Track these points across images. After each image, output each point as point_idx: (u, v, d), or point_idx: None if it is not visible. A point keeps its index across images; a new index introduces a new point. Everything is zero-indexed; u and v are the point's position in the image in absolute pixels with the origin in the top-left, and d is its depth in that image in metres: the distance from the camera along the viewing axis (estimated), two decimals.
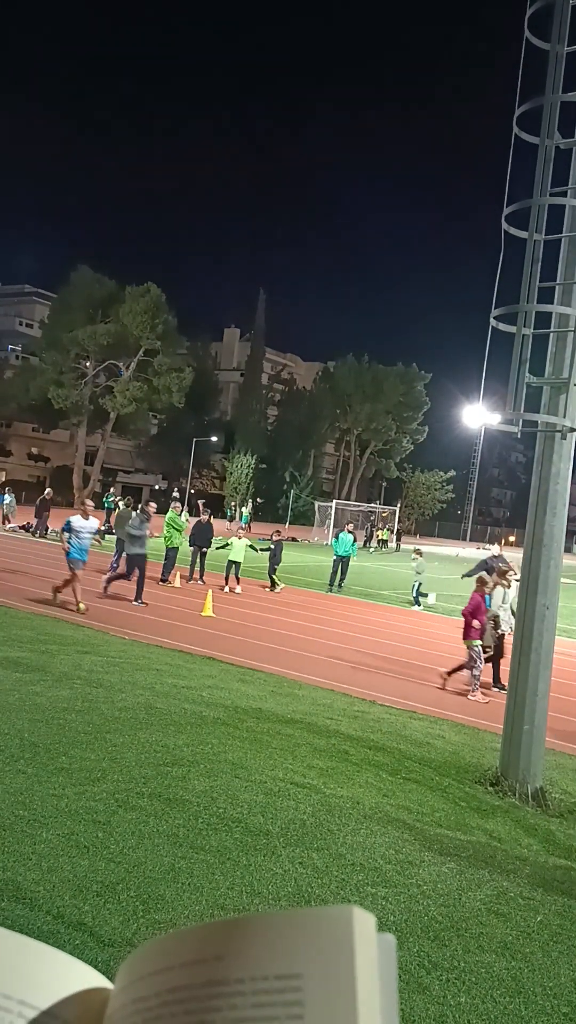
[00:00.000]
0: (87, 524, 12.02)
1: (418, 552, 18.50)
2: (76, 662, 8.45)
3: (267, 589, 18.12)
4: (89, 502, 13.05)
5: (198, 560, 17.63)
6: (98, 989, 0.38)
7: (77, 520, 11.93)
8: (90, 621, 11.15)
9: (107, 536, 28.71)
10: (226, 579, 16.95)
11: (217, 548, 17.87)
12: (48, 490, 26.93)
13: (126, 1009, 0.35)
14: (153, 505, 15.35)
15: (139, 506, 16.25)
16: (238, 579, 17.05)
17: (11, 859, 4.03)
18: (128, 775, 5.36)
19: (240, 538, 17.25)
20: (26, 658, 8.36)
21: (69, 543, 11.68)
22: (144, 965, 0.36)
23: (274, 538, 18.62)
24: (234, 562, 16.93)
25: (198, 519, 18.29)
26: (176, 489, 50.71)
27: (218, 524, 30.95)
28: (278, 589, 18.20)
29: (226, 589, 16.71)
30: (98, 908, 3.68)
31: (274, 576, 18.21)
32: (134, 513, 16.85)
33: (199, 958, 0.34)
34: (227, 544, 17.26)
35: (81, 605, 11.77)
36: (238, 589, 16.88)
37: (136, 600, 13.24)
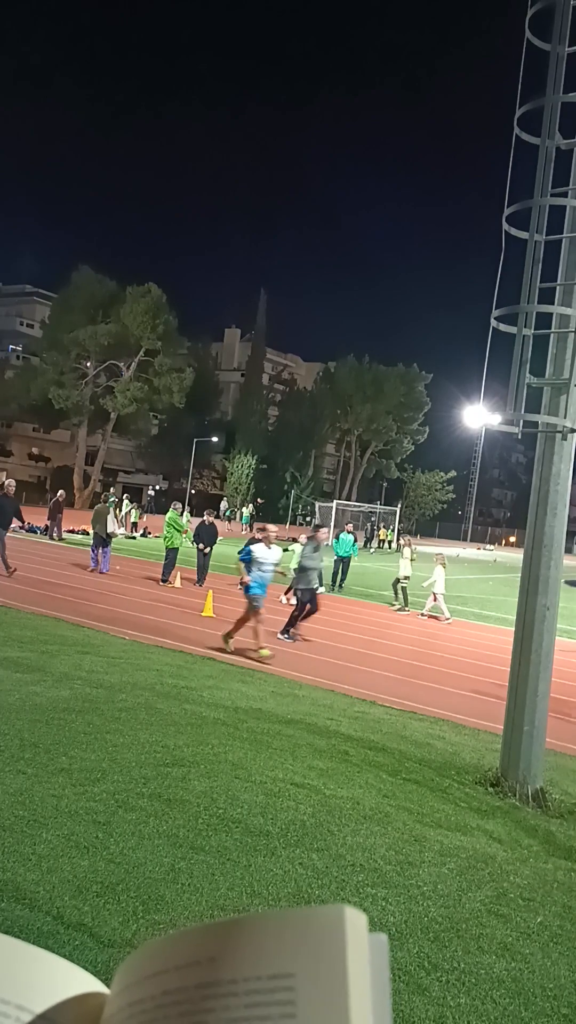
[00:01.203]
0: (271, 555, 10.23)
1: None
2: (76, 662, 8.46)
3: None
4: (272, 527, 11.02)
5: (202, 561, 17.38)
6: (94, 993, 0.38)
7: (260, 549, 10.14)
8: (90, 621, 11.16)
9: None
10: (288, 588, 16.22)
11: (283, 552, 17.55)
12: (61, 492, 26.83)
13: (122, 1013, 0.36)
14: (324, 530, 13.68)
15: (309, 529, 13.55)
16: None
17: (11, 859, 4.03)
18: (128, 775, 5.36)
19: (303, 544, 16.78)
20: (26, 658, 8.36)
21: (248, 575, 10.05)
22: (139, 968, 0.36)
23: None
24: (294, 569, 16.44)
25: (201, 520, 18.16)
26: (152, 487, 50.43)
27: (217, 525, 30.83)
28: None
29: (283, 599, 16.05)
30: (98, 909, 3.68)
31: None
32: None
33: (193, 960, 0.34)
34: (286, 550, 16.43)
35: (264, 651, 10.01)
36: (285, 599, 16.14)
37: (282, 633, 11.75)
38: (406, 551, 17.34)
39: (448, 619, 16.60)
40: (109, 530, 17.68)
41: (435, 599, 16.71)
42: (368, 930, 0.33)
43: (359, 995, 0.31)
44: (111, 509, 18.48)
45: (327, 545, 18.86)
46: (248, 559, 10.11)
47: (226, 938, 0.34)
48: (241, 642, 10.39)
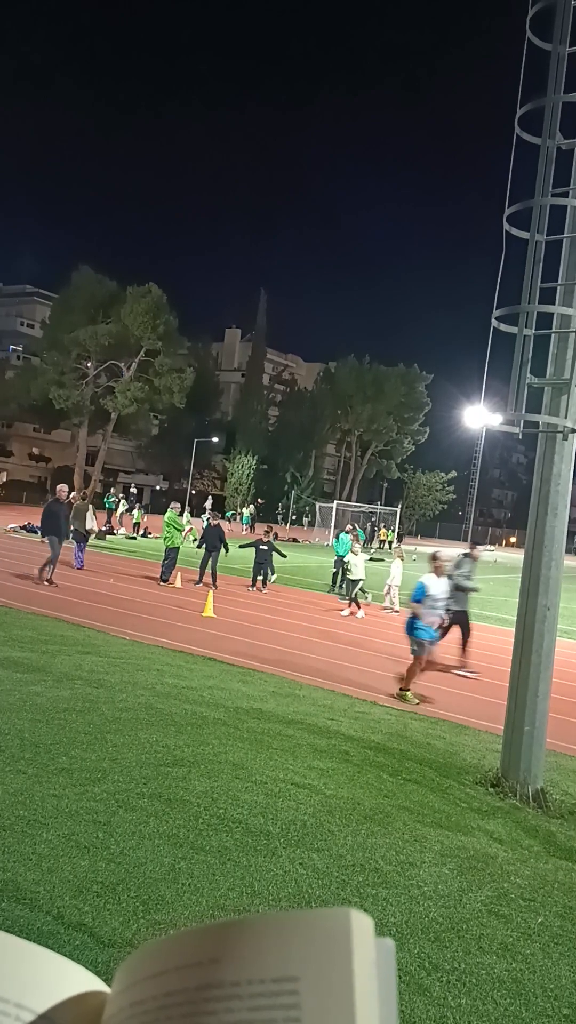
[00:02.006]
0: (442, 588, 8.83)
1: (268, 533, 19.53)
2: (77, 662, 8.45)
3: (249, 588, 17.83)
4: (443, 554, 9.06)
5: (209, 563, 17.08)
6: (95, 993, 0.38)
7: (432, 582, 8.68)
8: (90, 622, 11.15)
9: (107, 536, 28.80)
10: (350, 601, 15.78)
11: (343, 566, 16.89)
12: (74, 494, 26.92)
13: (123, 1013, 0.35)
14: (480, 548, 12.05)
15: (464, 552, 11.36)
16: (358, 602, 15.78)
17: (11, 859, 4.02)
18: (128, 775, 5.36)
19: (357, 554, 15.93)
20: (27, 658, 8.36)
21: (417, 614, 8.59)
22: (141, 968, 0.36)
23: (264, 538, 18.50)
24: (354, 581, 15.53)
25: (207, 522, 17.87)
26: (134, 486, 50.04)
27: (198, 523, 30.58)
28: (259, 590, 17.76)
29: (345, 613, 15.61)
30: (98, 909, 3.67)
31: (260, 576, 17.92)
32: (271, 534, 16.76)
33: (195, 961, 0.33)
34: (347, 567, 16.08)
35: (409, 695, 8.84)
36: (360, 613, 15.61)
37: (462, 670, 10.61)
38: (355, 546, 17.84)
39: (397, 611, 16.91)
40: (88, 527, 18.19)
41: (388, 590, 17.27)
42: (374, 935, 0.33)
43: (365, 1001, 0.30)
44: (90, 507, 18.88)
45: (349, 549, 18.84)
46: (421, 597, 8.62)
47: (229, 939, 0.33)
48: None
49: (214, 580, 17.02)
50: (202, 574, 17.17)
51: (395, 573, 17.09)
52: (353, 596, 15.78)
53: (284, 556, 18.08)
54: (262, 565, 17.66)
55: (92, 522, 18.48)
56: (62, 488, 15.38)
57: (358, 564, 15.81)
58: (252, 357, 70.30)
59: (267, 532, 18.90)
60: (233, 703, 7.65)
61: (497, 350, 6.32)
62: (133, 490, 42.17)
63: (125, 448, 64.21)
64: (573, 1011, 3.40)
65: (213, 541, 17.17)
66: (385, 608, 17.30)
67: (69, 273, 52.05)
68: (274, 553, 17.90)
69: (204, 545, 17.25)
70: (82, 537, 18.09)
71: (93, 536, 20.15)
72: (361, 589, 16.20)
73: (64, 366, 49.88)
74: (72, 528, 18.25)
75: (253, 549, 17.93)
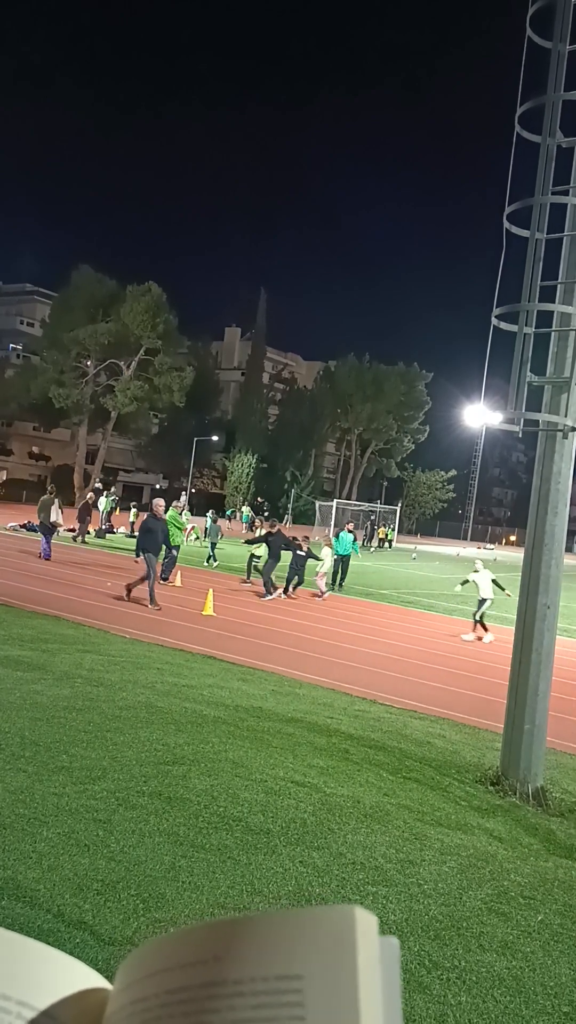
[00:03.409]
0: None
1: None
2: (77, 661, 8.45)
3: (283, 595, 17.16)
4: None
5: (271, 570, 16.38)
6: (97, 990, 0.38)
7: None
8: (91, 620, 11.15)
9: (107, 535, 28.78)
10: (476, 623, 14.48)
11: (462, 584, 15.95)
12: (90, 495, 26.99)
13: (125, 1010, 0.35)
14: None
15: None
16: (482, 623, 14.39)
17: (11, 857, 4.02)
18: (129, 774, 5.36)
19: (478, 571, 14.52)
20: (27, 657, 8.36)
21: None
22: (143, 966, 0.36)
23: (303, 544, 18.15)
24: (481, 601, 14.35)
25: (268, 531, 16.86)
26: (100, 480, 49.50)
27: (199, 521, 30.45)
28: (288, 595, 17.26)
29: (471, 637, 14.36)
30: (98, 907, 3.67)
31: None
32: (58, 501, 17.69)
33: (198, 959, 0.33)
34: (467, 581, 15.05)
35: None
36: (487, 637, 14.24)
37: None
38: (477, 563, 18.12)
39: (322, 597, 17.61)
40: (52, 519, 18.73)
41: (320, 577, 17.94)
42: (379, 933, 0.32)
43: (370, 999, 0.30)
44: (56, 501, 19.31)
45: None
46: None
47: (232, 937, 0.33)
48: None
49: (270, 588, 16.39)
50: (255, 578, 16.66)
51: (327, 560, 17.86)
52: (479, 617, 14.47)
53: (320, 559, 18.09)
54: (297, 571, 17.12)
55: (57, 515, 18.93)
56: (159, 503, 14.23)
57: (484, 583, 14.36)
58: (252, 356, 70.25)
59: (305, 539, 18.49)
60: (233, 701, 7.65)
61: (497, 348, 6.32)
62: (98, 485, 41.82)
63: (125, 447, 64.18)
64: (573, 1009, 3.40)
65: (277, 549, 16.47)
66: (315, 595, 17.75)
67: (69, 272, 52.06)
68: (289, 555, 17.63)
69: (268, 553, 16.48)
70: (47, 529, 18.65)
71: (61, 530, 20.52)
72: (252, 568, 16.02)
73: (64, 365, 49.84)
74: (38, 521, 18.90)
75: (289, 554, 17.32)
